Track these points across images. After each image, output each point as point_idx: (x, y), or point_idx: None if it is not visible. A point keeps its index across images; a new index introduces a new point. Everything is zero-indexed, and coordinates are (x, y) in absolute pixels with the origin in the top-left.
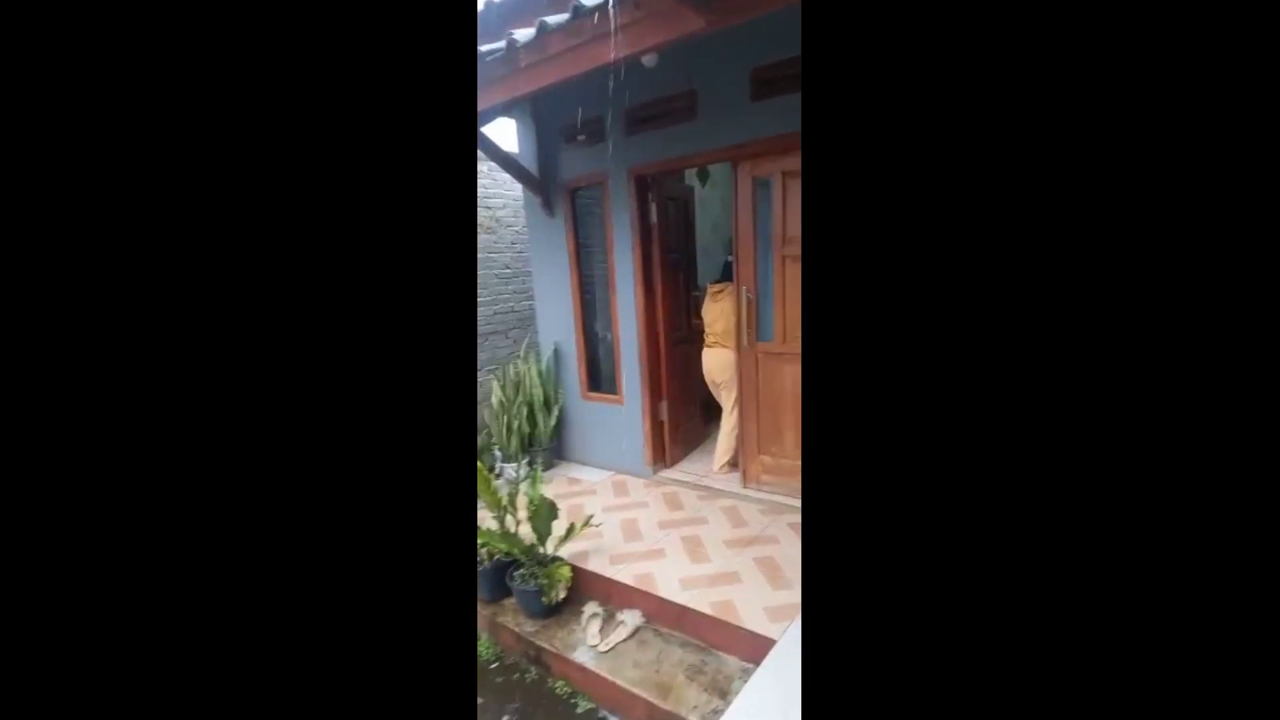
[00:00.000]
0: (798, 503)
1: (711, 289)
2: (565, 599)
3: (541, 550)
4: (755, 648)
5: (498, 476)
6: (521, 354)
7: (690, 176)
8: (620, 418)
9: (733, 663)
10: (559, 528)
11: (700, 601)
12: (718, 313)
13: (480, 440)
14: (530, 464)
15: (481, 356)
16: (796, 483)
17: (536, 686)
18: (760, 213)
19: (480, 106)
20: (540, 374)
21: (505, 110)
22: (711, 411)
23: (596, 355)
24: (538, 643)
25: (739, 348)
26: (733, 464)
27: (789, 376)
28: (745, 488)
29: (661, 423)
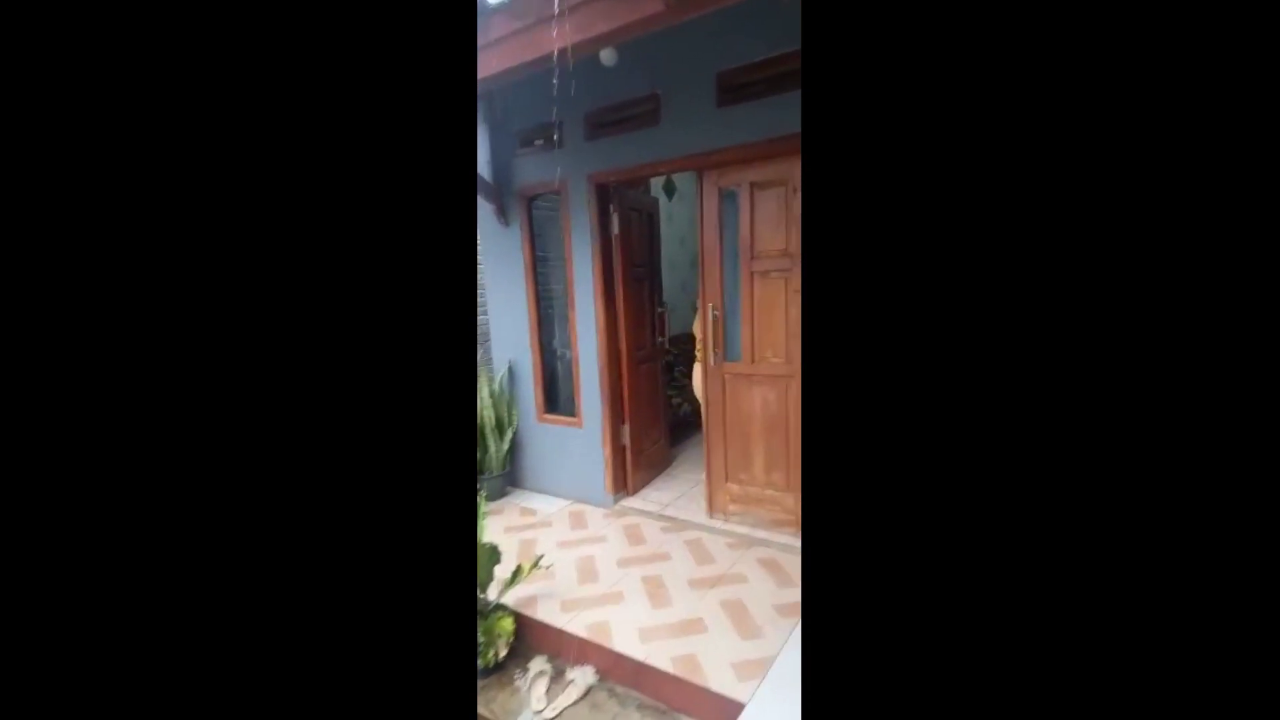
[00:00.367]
0: (766, 535)
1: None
2: (508, 655)
3: (482, 597)
4: (721, 712)
5: None
6: None
7: (656, 188)
8: (579, 442)
9: None
10: (503, 571)
11: (661, 656)
12: None
13: None
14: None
15: None
16: (765, 513)
17: None
18: (727, 226)
19: None
20: (493, 394)
21: None
22: (678, 434)
23: (554, 374)
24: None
25: (705, 369)
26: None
27: (757, 399)
28: (711, 518)
29: (624, 447)
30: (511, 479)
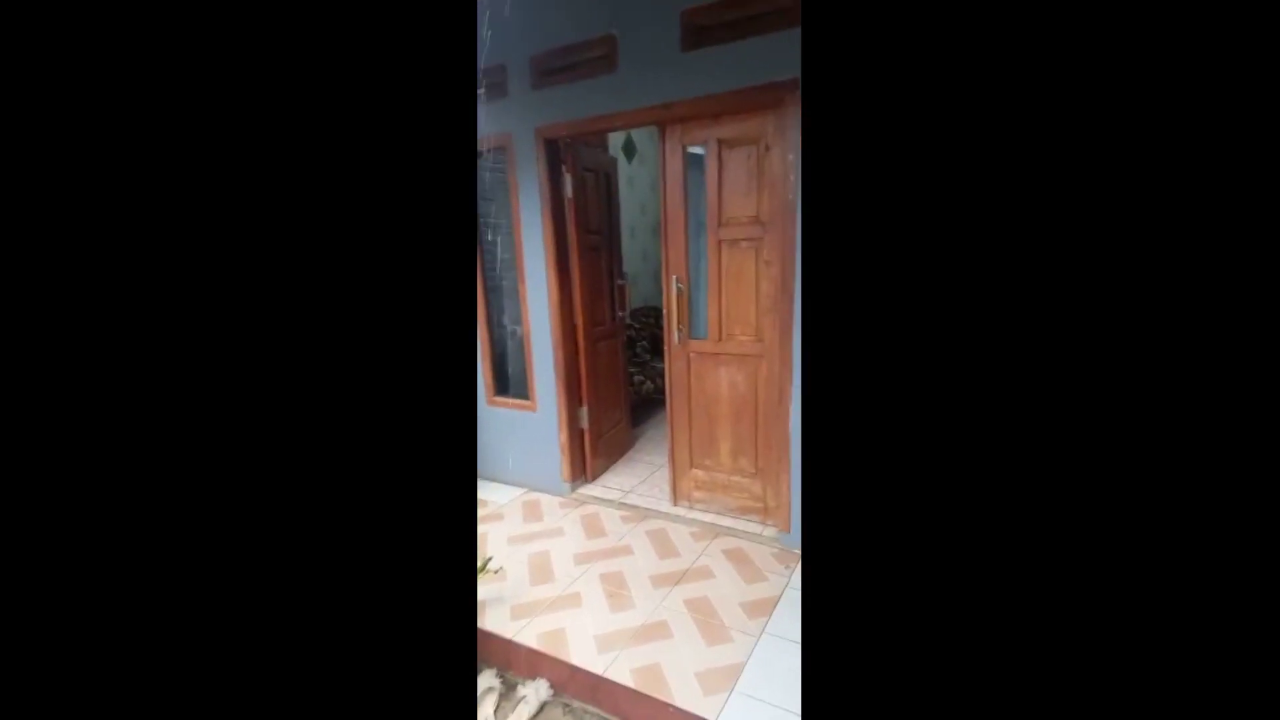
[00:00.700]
0: (731, 524)
1: None
2: None
3: None
4: None
5: None
6: None
7: (615, 149)
8: (533, 426)
9: None
10: None
11: (620, 667)
12: None
13: None
14: None
15: None
16: (731, 500)
17: None
18: (692, 188)
19: None
20: None
21: None
22: (641, 413)
23: (504, 353)
24: None
25: (668, 346)
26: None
27: (724, 380)
28: (675, 505)
29: (581, 431)
30: None
